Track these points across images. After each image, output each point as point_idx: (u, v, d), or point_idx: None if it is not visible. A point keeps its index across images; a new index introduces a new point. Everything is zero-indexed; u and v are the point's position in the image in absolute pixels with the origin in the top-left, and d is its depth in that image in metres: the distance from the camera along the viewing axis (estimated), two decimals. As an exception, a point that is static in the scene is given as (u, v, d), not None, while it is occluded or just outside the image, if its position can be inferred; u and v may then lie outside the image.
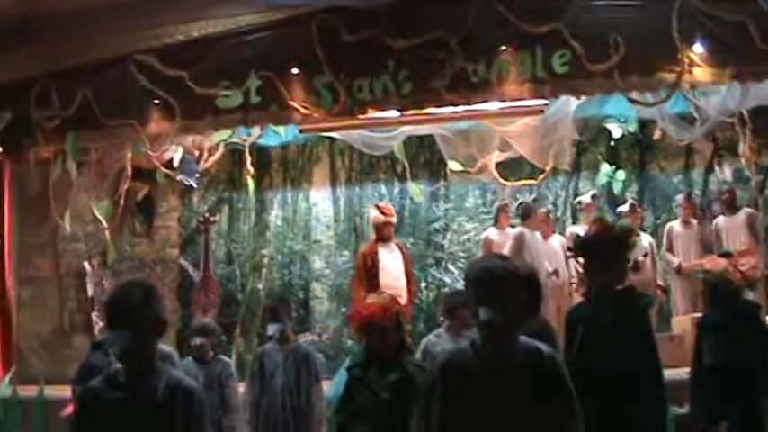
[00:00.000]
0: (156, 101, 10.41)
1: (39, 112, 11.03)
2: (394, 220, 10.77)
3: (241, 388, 8.33)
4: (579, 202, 11.42)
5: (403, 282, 10.51)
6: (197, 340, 8.34)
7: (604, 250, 5.76)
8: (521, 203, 11.32)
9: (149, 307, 3.89)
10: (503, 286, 3.90)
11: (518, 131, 10.99)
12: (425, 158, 12.38)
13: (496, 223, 11.25)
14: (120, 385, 3.91)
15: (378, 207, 10.78)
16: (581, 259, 6.02)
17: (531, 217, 10.99)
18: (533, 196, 11.78)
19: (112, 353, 3.97)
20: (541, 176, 11.44)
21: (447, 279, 11.66)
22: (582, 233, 6.16)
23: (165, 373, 3.94)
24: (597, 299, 5.78)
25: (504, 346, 3.90)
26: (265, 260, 12.36)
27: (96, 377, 7.98)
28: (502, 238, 10.91)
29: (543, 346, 4.00)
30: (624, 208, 11.02)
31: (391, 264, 10.45)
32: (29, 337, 12.48)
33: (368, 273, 10.30)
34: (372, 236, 10.68)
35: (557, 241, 11.08)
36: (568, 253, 6.46)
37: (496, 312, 3.82)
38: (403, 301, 10.11)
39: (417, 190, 11.85)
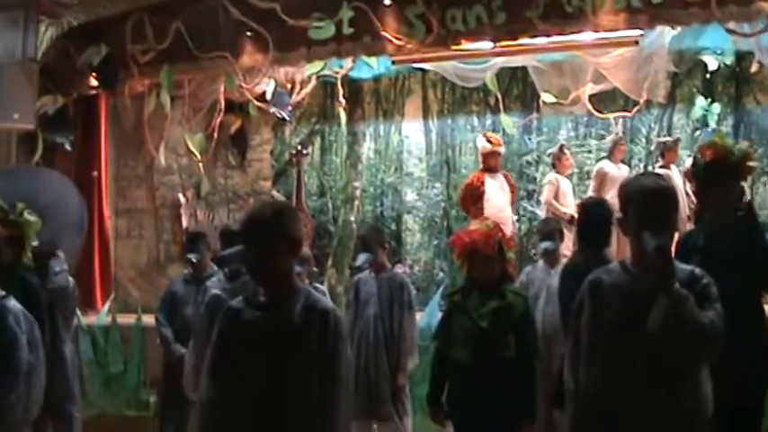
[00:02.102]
0: (249, 33, 10.42)
1: (133, 45, 11.11)
2: (502, 149, 10.72)
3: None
4: (664, 143, 11.17)
5: (509, 213, 10.47)
6: (293, 269, 8.43)
7: (723, 174, 5.64)
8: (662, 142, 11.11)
9: (282, 226, 3.91)
10: (671, 208, 3.85)
11: (612, 63, 10.83)
12: (518, 90, 12.27)
13: (610, 156, 11.06)
14: (259, 305, 3.98)
15: (485, 136, 10.74)
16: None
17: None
18: (617, 130, 11.56)
19: (243, 270, 4.01)
20: (635, 109, 11.29)
21: (538, 212, 11.57)
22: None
23: (303, 293, 3.97)
24: (714, 223, 5.67)
25: (665, 270, 3.75)
26: (357, 192, 12.38)
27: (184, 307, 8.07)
28: (617, 171, 10.75)
29: (695, 268, 3.92)
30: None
31: (497, 194, 10.41)
32: (126, 267, 12.71)
33: (474, 202, 10.27)
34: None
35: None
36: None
37: (664, 236, 3.74)
38: (508, 231, 10.09)
39: (510, 122, 11.75)
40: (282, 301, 3.92)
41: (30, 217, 6.58)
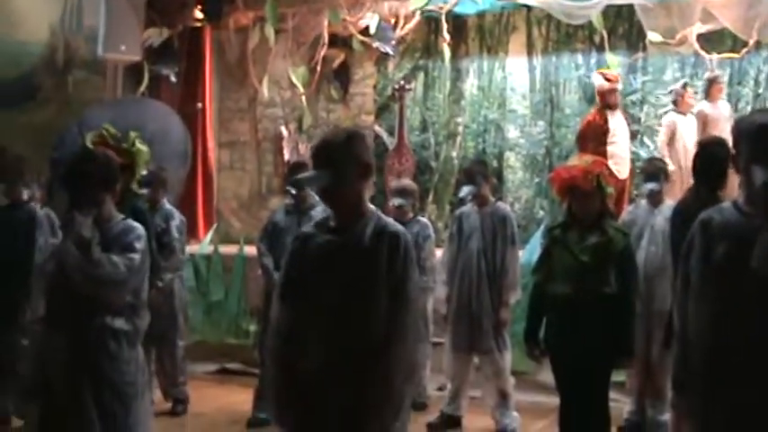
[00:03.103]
0: (354, -34, 10.43)
1: (238, -22, 11.20)
2: (619, 86, 10.55)
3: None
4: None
5: (629, 152, 10.32)
6: (396, 201, 8.47)
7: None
8: None
9: (353, 150, 3.93)
10: None
11: (722, 2, 10.57)
12: (624, 29, 12.04)
13: (707, 96, 10.85)
14: (330, 229, 4.00)
15: (601, 73, 10.58)
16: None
17: None
18: (713, 68, 11.27)
19: (314, 193, 4.04)
20: (744, 50, 11.02)
21: (642, 153, 11.40)
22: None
23: (373, 217, 4.00)
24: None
25: None
26: (460, 128, 12.33)
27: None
28: (716, 112, 10.55)
29: None
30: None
31: (620, 132, 10.27)
32: (228, 198, 12.92)
33: (596, 140, 10.10)
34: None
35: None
36: None
37: None
38: (626, 171, 9.97)
39: (615, 61, 11.57)
40: (353, 225, 3.94)
41: (141, 146, 6.70)
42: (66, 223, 4.57)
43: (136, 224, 4.66)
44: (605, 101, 10.36)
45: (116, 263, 4.44)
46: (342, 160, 3.89)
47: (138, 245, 4.56)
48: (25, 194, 8.17)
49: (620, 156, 9.77)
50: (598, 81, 10.52)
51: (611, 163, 9.31)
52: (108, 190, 4.60)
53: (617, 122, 10.32)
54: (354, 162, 3.92)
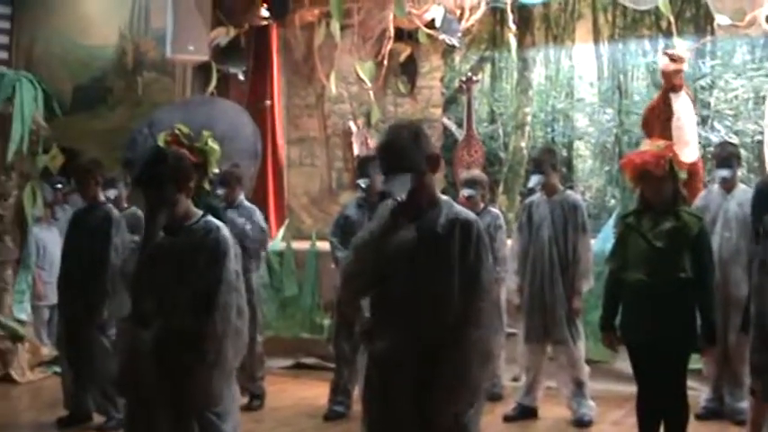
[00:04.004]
0: (418, -41, 10.43)
1: (303, -25, 11.26)
2: (685, 67, 10.40)
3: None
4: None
5: (696, 135, 10.21)
6: (466, 192, 8.49)
7: None
8: None
9: (421, 147, 4.02)
10: None
11: (792, -20, 10.43)
12: (691, 13, 11.89)
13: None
14: (403, 219, 4.05)
15: (667, 54, 10.46)
16: None
17: None
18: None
19: (392, 193, 4.07)
20: (816, 30, 10.86)
21: (713, 137, 11.28)
22: None
23: (446, 205, 4.06)
24: None
25: None
26: (528, 118, 12.25)
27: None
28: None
29: None
30: None
31: (685, 115, 10.14)
32: (298, 195, 12.98)
33: (660, 124, 9.99)
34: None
35: None
36: None
37: None
38: (693, 155, 9.83)
39: (683, 46, 11.44)
40: (426, 214, 4.02)
41: (213, 145, 6.79)
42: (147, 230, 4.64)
43: (216, 222, 4.69)
44: (670, 82, 10.22)
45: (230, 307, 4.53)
46: (414, 160, 3.97)
47: (228, 262, 4.56)
48: (102, 195, 8.31)
49: (685, 139, 9.62)
50: (663, 62, 10.37)
51: (676, 147, 9.24)
52: (182, 189, 4.62)
53: (681, 105, 10.16)
54: (424, 158, 4.00)
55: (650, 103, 10.38)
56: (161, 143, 7.07)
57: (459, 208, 4.09)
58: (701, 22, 11.65)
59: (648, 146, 6.15)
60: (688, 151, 9.52)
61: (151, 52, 13.44)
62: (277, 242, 11.22)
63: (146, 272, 4.57)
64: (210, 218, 4.71)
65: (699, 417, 7.67)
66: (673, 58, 10.18)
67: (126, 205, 8.61)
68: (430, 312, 3.90)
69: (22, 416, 9.23)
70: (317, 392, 8.94)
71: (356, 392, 7.69)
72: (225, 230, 4.65)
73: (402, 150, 3.98)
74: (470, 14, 11.72)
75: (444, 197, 4.12)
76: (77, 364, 8.06)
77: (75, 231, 8.31)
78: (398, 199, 3.89)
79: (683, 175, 6.02)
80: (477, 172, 9.39)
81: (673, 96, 10.07)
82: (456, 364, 3.83)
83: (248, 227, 8.45)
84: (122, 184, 8.93)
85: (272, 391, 9.00)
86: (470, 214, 4.07)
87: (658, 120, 9.95)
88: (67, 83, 13.88)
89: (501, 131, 12.32)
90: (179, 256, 4.55)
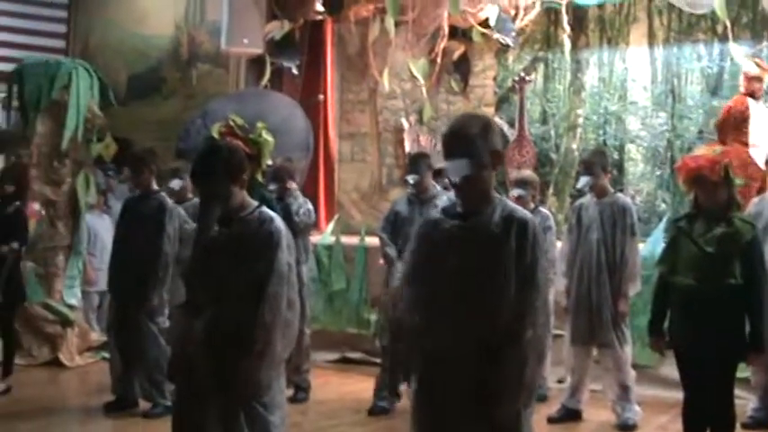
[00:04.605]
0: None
1: (359, -29, 11.29)
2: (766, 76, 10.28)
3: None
4: None
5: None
6: (516, 192, 8.48)
7: None
8: None
9: (488, 138, 4.00)
10: None
11: None
12: (748, 18, 11.78)
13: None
14: (456, 215, 4.07)
15: (754, 60, 10.31)
16: None
17: None
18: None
19: (451, 181, 4.09)
20: None
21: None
22: None
23: (500, 203, 4.05)
24: None
25: None
26: (580, 120, 12.19)
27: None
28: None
29: None
30: None
31: (761, 121, 10.01)
32: (349, 190, 13.03)
33: (736, 127, 9.86)
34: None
35: None
36: None
37: None
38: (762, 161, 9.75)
39: (739, 52, 11.35)
40: (480, 211, 4.01)
41: (267, 137, 6.84)
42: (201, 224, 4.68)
43: (270, 213, 4.69)
44: (751, 87, 10.10)
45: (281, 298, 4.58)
46: (479, 148, 3.96)
47: (281, 253, 4.58)
48: (155, 185, 8.38)
49: (756, 147, 9.51)
50: (748, 66, 10.24)
51: (752, 151, 9.20)
52: (235, 181, 4.61)
53: (758, 110, 10.02)
54: (489, 150, 3.99)
55: (727, 105, 10.26)
56: (215, 134, 7.14)
57: (513, 206, 4.08)
58: (757, 28, 11.56)
59: (705, 150, 6.12)
60: (761, 158, 9.45)
61: (206, 44, 13.54)
62: (326, 236, 11.26)
63: (200, 263, 4.61)
64: (265, 209, 4.71)
65: (745, 426, 7.58)
66: (759, 65, 10.10)
67: (191, 196, 8.64)
68: (486, 312, 3.90)
69: (70, 400, 9.36)
70: (361, 387, 8.98)
71: (401, 389, 7.73)
72: (278, 221, 4.64)
73: (467, 137, 3.98)
74: (525, 14, 11.70)
75: (498, 195, 4.12)
76: (126, 351, 8.14)
77: (127, 219, 8.39)
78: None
79: (739, 181, 5.99)
80: (527, 172, 9.39)
81: (751, 102, 9.96)
82: (515, 364, 3.83)
83: (297, 207, 8.45)
84: (187, 174, 9.01)
85: (317, 384, 9.04)
86: (526, 213, 4.07)
87: (734, 123, 9.84)
88: (122, 72, 14.04)
89: (553, 132, 12.27)
90: (233, 247, 4.57)
